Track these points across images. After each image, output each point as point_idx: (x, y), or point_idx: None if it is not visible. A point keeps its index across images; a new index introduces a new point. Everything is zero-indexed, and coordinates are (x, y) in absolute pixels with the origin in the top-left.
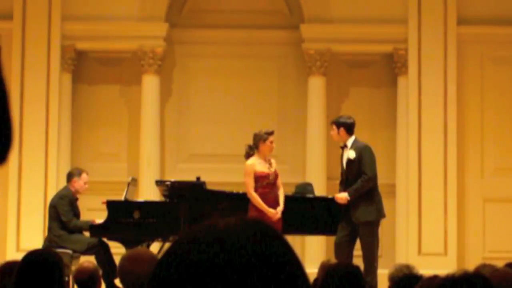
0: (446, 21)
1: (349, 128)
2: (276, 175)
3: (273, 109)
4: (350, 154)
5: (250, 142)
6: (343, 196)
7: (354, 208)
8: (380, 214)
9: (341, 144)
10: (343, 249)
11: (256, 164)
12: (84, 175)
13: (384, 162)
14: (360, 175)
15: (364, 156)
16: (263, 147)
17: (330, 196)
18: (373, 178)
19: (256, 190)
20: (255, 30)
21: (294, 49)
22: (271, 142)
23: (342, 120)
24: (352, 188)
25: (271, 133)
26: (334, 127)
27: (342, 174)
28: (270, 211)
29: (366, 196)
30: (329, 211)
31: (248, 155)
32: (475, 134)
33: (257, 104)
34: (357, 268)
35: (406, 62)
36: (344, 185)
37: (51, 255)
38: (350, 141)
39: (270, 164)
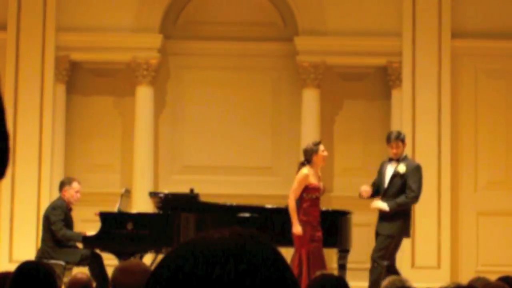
0: (440, 34)
1: None
2: (323, 191)
3: (267, 121)
4: (401, 168)
5: (243, 154)
6: (383, 206)
7: (382, 220)
8: (405, 232)
9: (394, 158)
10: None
11: (311, 175)
12: (74, 184)
13: None
14: (403, 190)
15: (417, 174)
16: (317, 158)
17: (323, 209)
18: (418, 197)
19: (304, 201)
20: (249, 42)
21: (288, 61)
22: (323, 151)
23: (403, 135)
24: (395, 202)
25: (319, 143)
26: (401, 144)
27: (374, 184)
28: (296, 225)
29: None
30: (322, 223)
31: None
32: (468, 147)
33: (251, 116)
34: (341, 279)
35: (400, 75)
36: (384, 198)
37: (43, 267)
38: (402, 156)
39: (320, 179)
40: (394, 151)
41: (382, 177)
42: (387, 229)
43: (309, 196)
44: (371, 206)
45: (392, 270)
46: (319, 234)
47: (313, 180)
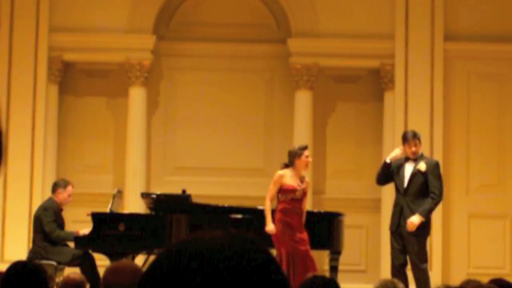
0: (433, 37)
1: None
2: (304, 193)
3: (260, 123)
4: (421, 166)
5: (236, 155)
6: (417, 220)
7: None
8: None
9: (412, 157)
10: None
11: (287, 176)
12: (69, 188)
13: (370, 177)
14: (424, 188)
15: (437, 171)
16: (299, 162)
17: (315, 210)
18: (442, 195)
19: (280, 203)
20: (242, 44)
21: (281, 63)
22: (307, 157)
23: (419, 134)
24: (424, 209)
25: (305, 148)
26: (418, 142)
27: (402, 185)
28: (269, 224)
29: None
30: (314, 225)
31: None
32: (460, 149)
33: (244, 118)
34: (333, 281)
35: (392, 78)
36: (405, 196)
37: (35, 267)
38: (419, 154)
39: (302, 181)
40: (413, 149)
41: (401, 176)
42: (419, 229)
43: (283, 197)
44: (411, 229)
45: (402, 270)
46: (301, 236)
47: (288, 182)
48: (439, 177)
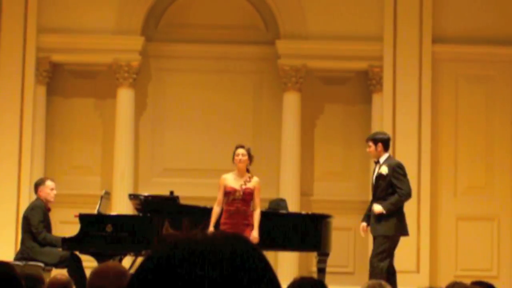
0: (421, 39)
1: (387, 144)
2: (246, 193)
3: (248, 125)
4: (383, 169)
5: (224, 157)
6: (378, 209)
7: (377, 221)
8: (403, 231)
9: (375, 160)
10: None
11: (228, 178)
12: (48, 182)
13: (358, 179)
14: (388, 191)
15: (399, 172)
16: (235, 161)
17: (303, 212)
18: (409, 195)
19: (224, 206)
20: (231, 45)
21: (270, 65)
22: (237, 155)
23: (379, 136)
24: (388, 203)
25: (238, 147)
26: (371, 143)
27: (372, 188)
28: (210, 227)
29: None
30: (302, 227)
31: None
32: (448, 152)
33: (232, 120)
34: (321, 282)
35: (381, 80)
36: (373, 200)
37: (4, 267)
38: (383, 157)
39: (246, 182)
40: (367, 150)
41: (371, 180)
42: (382, 230)
43: (225, 199)
44: (373, 211)
45: (390, 269)
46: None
47: (229, 183)
48: (402, 177)
